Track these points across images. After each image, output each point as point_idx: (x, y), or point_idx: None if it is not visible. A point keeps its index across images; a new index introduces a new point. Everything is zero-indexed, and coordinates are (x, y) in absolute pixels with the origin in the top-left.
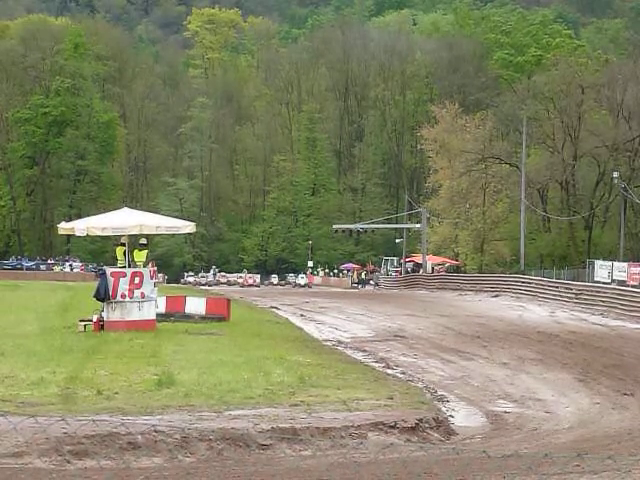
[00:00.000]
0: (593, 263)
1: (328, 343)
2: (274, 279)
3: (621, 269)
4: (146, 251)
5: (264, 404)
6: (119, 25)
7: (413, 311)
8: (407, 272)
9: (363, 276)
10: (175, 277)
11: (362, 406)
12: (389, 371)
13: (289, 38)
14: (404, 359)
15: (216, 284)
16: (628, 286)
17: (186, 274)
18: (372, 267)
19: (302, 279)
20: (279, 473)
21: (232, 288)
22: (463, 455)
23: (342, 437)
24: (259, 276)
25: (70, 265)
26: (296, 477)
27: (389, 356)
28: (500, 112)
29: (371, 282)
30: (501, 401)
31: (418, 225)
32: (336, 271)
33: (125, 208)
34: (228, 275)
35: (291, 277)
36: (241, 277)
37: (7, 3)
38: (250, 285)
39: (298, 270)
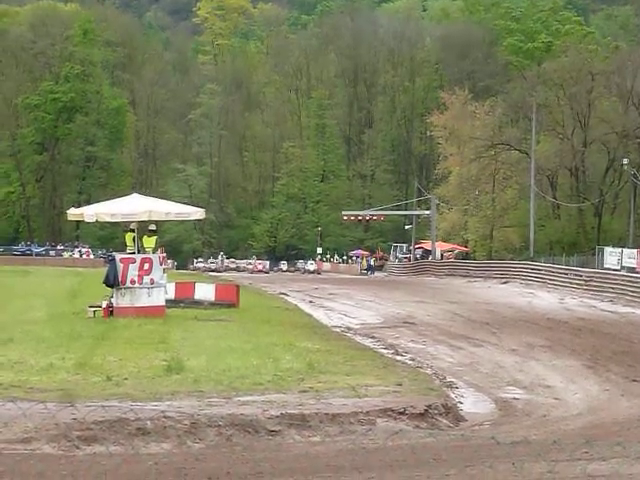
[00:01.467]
0: (603, 250)
1: (337, 329)
2: (283, 265)
3: (631, 256)
4: (155, 237)
5: (273, 390)
6: (128, 11)
7: (422, 298)
8: (416, 259)
9: (372, 263)
10: (184, 263)
11: (371, 392)
12: (398, 357)
13: (298, 24)
14: (413, 345)
15: (225, 270)
16: (638, 273)
17: (195, 260)
18: (381, 254)
19: (311, 265)
20: (288, 459)
21: (241, 274)
22: (472, 441)
23: (351, 423)
24: (268, 262)
25: (79, 251)
26: (305, 463)
27: (398, 342)
28: (510, 99)
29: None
30: (510, 388)
31: (427, 212)
32: (345, 258)
33: (135, 194)
34: (237, 261)
35: (301, 263)
36: (250, 263)
37: None
38: (260, 271)
39: (307, 257)
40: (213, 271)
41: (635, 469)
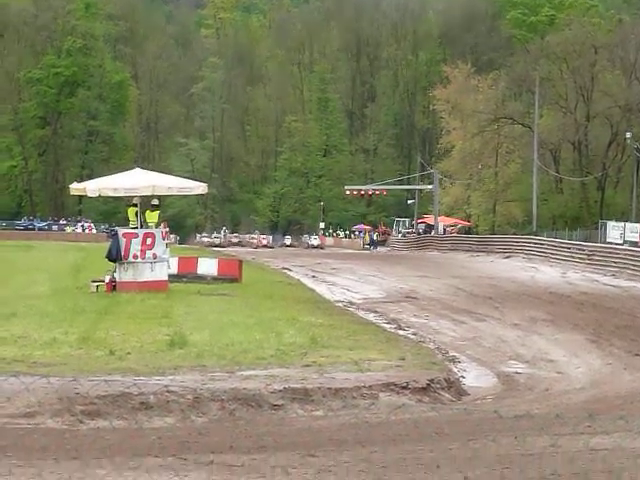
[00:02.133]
0: (605, 224)
1: (340, 304)
2: (287, 240)
3: (633, 230)
4: (158, 212)
5: (276, 365)
6: None
7: (425, 272)
8: (419, 233)
9: (375, 237)
10: (187, 238)
11: (374, 367)
12: (400, 332)
13: None
14: (415, 320)
15: (228, 245)
16: None
17: (198, 235)
18: (384, 228)
19: (315, 240)
20: (291, 433)
21: (245, 249)
22: (474, 415)
23: (354, 398)
24: (271, 237)
25: (82, 226)
26: (308, 437)
27: (400, 317)
28: (513, 72)
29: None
30: (512, 362)
31: (430, 186)
32: (348, 232)
33: (137, 169)
34: (241, 236)
35: (305, 238)
36: (254, 238)
37: None
38: (264, 246)
39: (310, 231)
40: (217, 246)
41: (638, 443)
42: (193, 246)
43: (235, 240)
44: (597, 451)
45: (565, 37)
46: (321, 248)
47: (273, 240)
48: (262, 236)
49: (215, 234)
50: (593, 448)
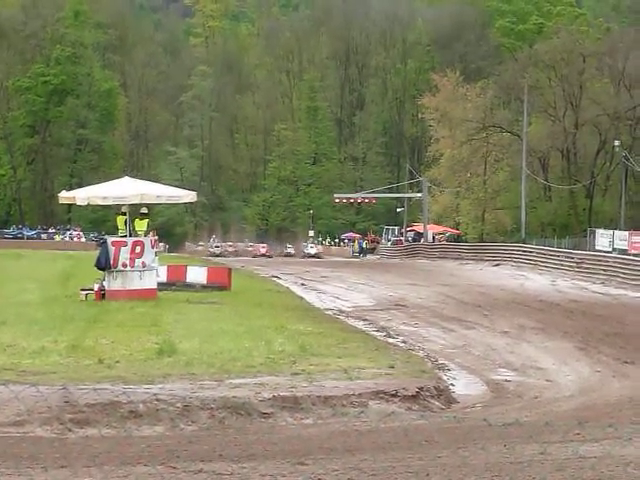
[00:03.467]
0: (594, 232)
1: (329, 312)
2: (290, 249)
3: (622, 238)
4: (147, 220)
5: (265, 373)
6: None
7: (414, 280)
8: (408, 241)
9: (364, 245)
10: (177, 246)
11: (363, 375)
12: (390, 340)
13: (290, 6)
14: (405, 328)
15: (219, 255)
16: (629, 254)
17: (189, 244)
18: (373, 236)
19: (312, 248)
20: (280, 441)
21: (242, 260)
22: (464, 423)
23: (343, 405)
24: (266, 245)
25: (70, 234)
26: (297, 445)
27: (390, 325)
28: (501, 80)
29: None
30: (502, 370)
31: (419, 194)
32: (337, 240)
33: (126, 177)
34: (236, 244)
35: (302, 246)
36: (251, 246)
37: None
38: (262, 255)
39: (299, 239)
40: (218, 256)
41: (627, 450)
42: (183, 255)
43: (231, 249)
44: (586, 459)
45: (553, 45)
46: (318, 257)
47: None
48: (261, 245)
49: (216, 243)
50: (582, 456)
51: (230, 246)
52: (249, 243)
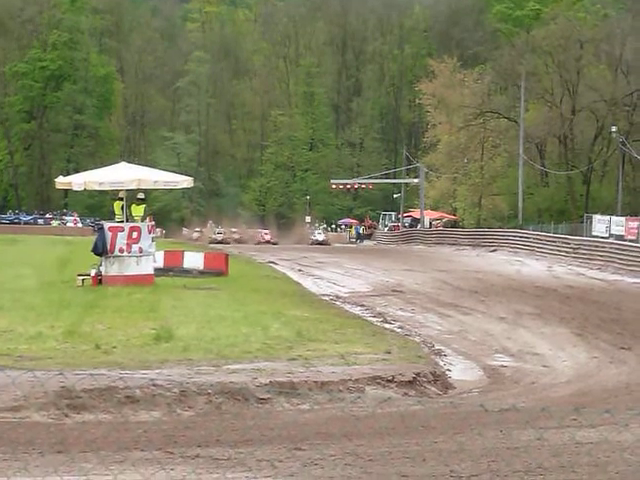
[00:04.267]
0: (591, 217)
1: (326, 298)
2: (320, 235)
3: (619, 223)
4: (144, 206)
5: (262, 358)
6: None
7: (411, 266)
8: (405, 227)
9: (361, 231)
10: (174, 231)
11: (360, 360)
12: (387, 325)
13: None
14: (402, 314)
15: (221, 242)
16: (626, 240)
17: (185, 229)
18: (370, 222)
19: (319, 235)
20: (277, 427)
21: (251, 247)
22: (460, 409)
23: (340, 391)
24: (269, 231)
25: (64, 220)
26: (294, 431)
27: (387, 311)
28: (499, 66)
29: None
30: (499, 355)
31: (416, 180)
32: (334, 226)
33: (123, 163)
34: (239, 230)
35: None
36: (258, 232)
37: None
38: (267, 242)
39: (296, 226)
40: (220, 243)
41: (623, 436)
42: (179, 240)
43: (237, 236)
44: (583, 444)
45: (551, 31)
46: (326, 244)
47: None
48: (264, 231)
49: (218, 229)
50: (579, 441)
51: (235, 232)
52: (258, 230)
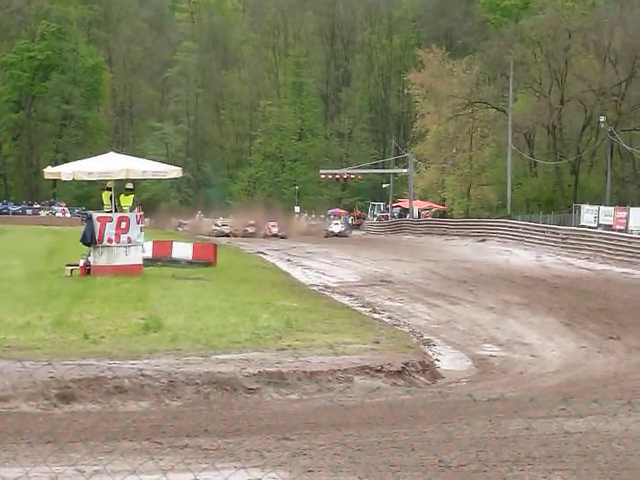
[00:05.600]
0: (579, 207)
1: (315, 288)
2: (337, 226)
3: (607, 213)
4: (132, 196)
5: (251, 348)
6: None
7: (400, 256)
8: (394, 217)
9: (350, 221)
10: (162, 221)
11: (349, 350)
12: (375, 315)
13: None
14: (390, 304)
15: (220, 234)
16: (614, 230)
17: (174, 219)
18: (359, 212)
19: (336, 226)
20: (266, 416)
21: (254, 241)
22: (449, 399)
23: (329, 381)
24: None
25: (53, 210)
26: (283, 421)
27: (375, 301)
28: (487, 56)
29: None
30: (487, 345)
31: (405, 170)
32: (323, 216)
33: (111, 153)
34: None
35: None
36: (267, 225)
37: None
38: (274, 236)
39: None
40: (226, 236)
41: (612, 426)
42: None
43: (251, 229)
44: (571, 434)
45: (539, 21)
46: (344, 236)
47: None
48: (271, 223)
49: (222, 220)
50: (567, 431)
51: (251, 225)
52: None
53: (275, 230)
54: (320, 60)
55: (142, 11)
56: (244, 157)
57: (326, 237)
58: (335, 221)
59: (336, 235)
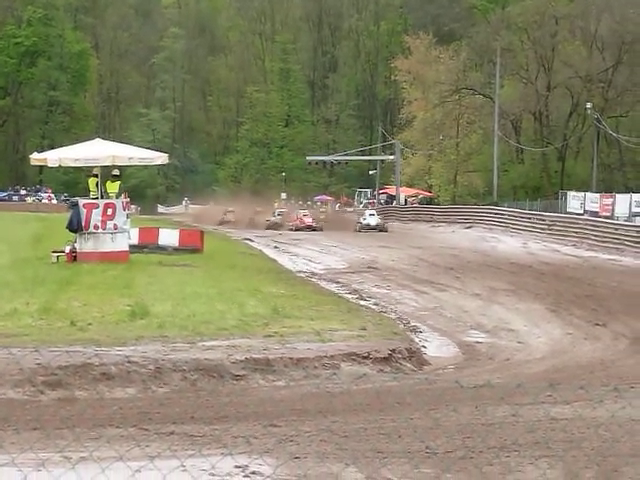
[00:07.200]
0: (566, 194)
1: (302, 275)
2: (372, 218)
3: (593, 200)
4: (119, 182)
5: (238, 335)
6: None
7: (386, 243)
8: (380, 204)
9: (337, 208)
10: (149, 208)
11: (335, 337)
12: (362, 302)
13: None
14: (377, 290)
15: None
16: (600, 217)
17: (160, 205)
18: (345, 199)
19: (371, 217)
20: (253, 403)
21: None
22: (436, 385)
23: (315, 367)
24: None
25: (39, 197)
26: (269, 407)
27: (362, 287)
28: (474, 43)
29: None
30: (474, 331)
31: (392, 157)
32: (310, 203)
33: (97, 139)
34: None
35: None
36: (297, 214)
37: None
38: (308, 227)
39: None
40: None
41: (598, 412)
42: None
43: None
44: (558, 420)
45: (526, 7)
46: (383, 230)
47: None
48: (302, 212)
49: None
50: (554, 417)
51: (279, 214)
52: (303, 210)
53: (309, 221)
54: (307, 46)
55: None
56: (231, 143)
57: (359, 231)
58: (370, 211)
59: (372, 229)
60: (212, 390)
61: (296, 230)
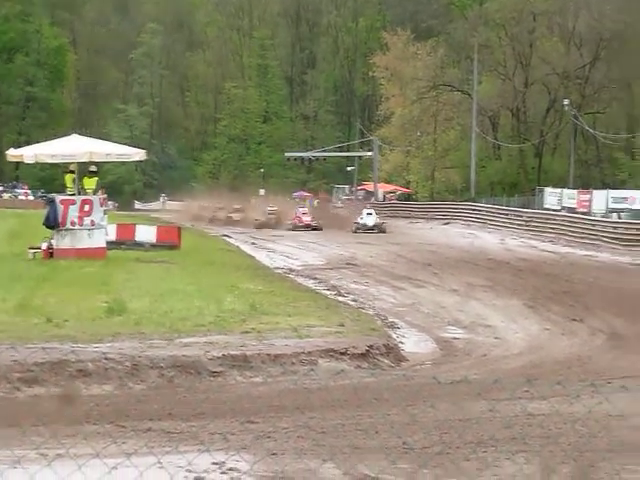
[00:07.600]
0: (543, 190)
1: (279, 271)
2: (370, 217)
3: (571, 196)
4: (96, 178)
5: (215, 332)
6: None
7: (365, 239)
8: (359, 200)
9: (315, 204)
10: (126, 204)
11: (313, 333)
12: (340, 298)
13: None
14: (355, 286)
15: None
16: (577, 213)
17: (137, 201)
18: (324, 195)
19: (369, 217)
20: (230, 400)
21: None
22: (413, 381)
23: (293, 364)
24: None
25: (16, 193)
26: (247, 404)
27: (340, 284)
28: (452, 39)
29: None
30: (451, 327)
31: (370, 153)
32: (288, 199)
33: (74, 135)
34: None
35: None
36: (296, 211)
37: None
38: (307, 226)
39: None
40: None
41: (575, 408)
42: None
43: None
44: (535, 416)
45: (504, 4)
46: (382, 231)
47: None
48: (301, 209)
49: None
50: (531, 413)
51: (271, 211)
52: (301, 208)
53: (308, 219)
54: (285, 42)
55: None
56: (209, 140)
57: (355, 232)
58: (368, 211)
59: (370, 229)
60: (189, 387)
61: (294, 229)
